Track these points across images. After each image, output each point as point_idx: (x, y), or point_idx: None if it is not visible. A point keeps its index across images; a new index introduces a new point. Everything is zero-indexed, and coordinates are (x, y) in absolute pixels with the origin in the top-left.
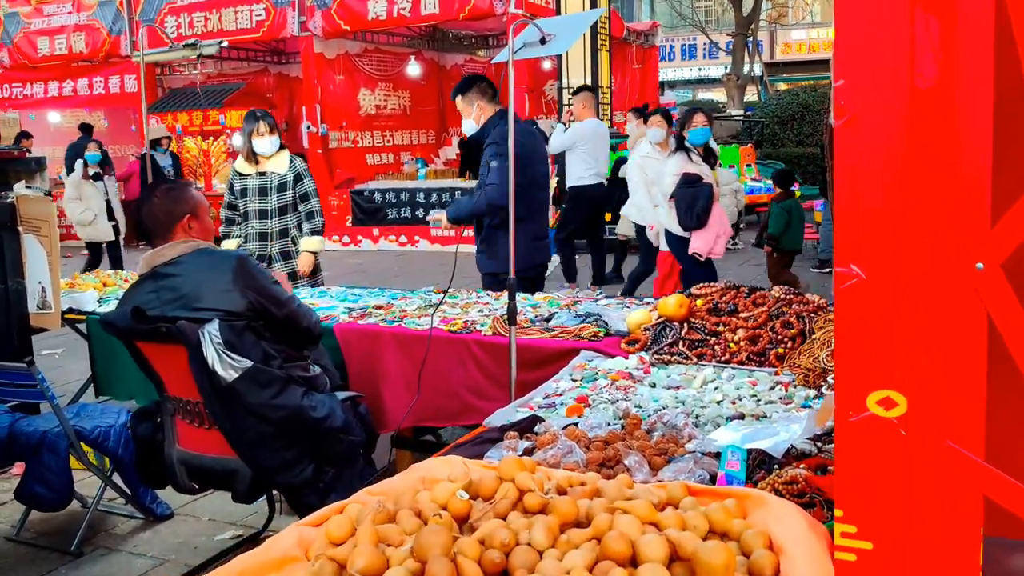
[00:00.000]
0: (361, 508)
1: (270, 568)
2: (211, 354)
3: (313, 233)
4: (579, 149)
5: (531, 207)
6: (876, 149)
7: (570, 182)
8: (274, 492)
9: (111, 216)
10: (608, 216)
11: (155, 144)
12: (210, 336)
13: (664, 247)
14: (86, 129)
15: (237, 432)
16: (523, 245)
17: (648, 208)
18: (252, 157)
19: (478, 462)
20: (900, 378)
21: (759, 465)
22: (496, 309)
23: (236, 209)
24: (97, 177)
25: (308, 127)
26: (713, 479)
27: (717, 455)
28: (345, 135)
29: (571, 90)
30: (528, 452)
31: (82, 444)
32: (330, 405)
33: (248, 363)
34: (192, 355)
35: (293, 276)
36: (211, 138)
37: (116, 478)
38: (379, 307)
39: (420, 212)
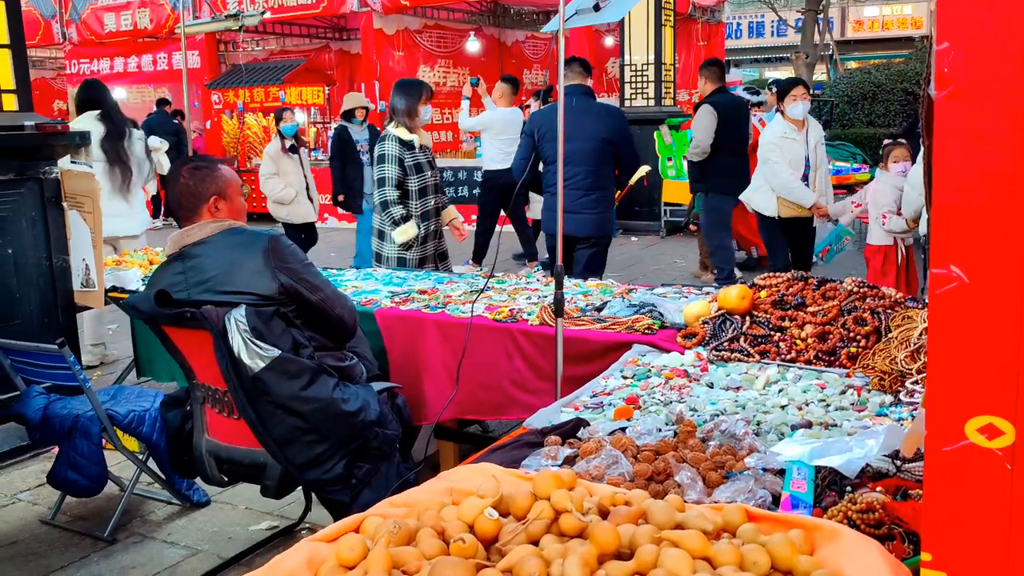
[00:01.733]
0: (379, 525)
1: None
2: (237, 342)
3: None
4: (493, 137)
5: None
6: (987, 128)
7: (484, 167)
8: None
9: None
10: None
11: (349, 115)
12: (236, 323)
13: (879, 240)
14: (163, 103)
15: (264, 425)
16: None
17: (800, 190)
18: (415, 130)
19: (513, 472)
20: (1007, 402)
21: (829, 485)
22: (545, 296)
23: (403, 187)
24: (293, 150)
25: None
26: (776, 500)
27: (780, 471)
28: None
29: (634, 68)
30: (570, 461)
31: (117, 429)
32: (364, 397)
33: (276, 352)
34: (217, 342)
35: (444, 256)
36: (271, 115)
37: (152, 463)
38: (423, 291)
39: (478, 192)
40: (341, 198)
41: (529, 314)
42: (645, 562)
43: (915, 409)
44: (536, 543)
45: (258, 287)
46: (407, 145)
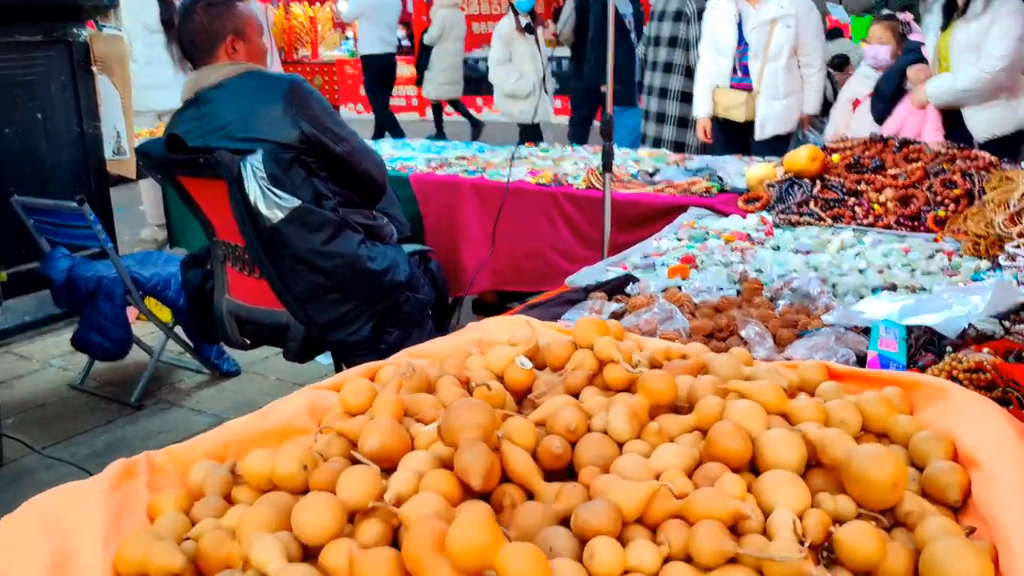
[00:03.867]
0: (395, 371)
1: (266, 439)
2: (253, 190)
3: None
4: (367, 20)
5: None
6: None
7: (361, 51)
8: None
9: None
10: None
11: None
12: (253, 169)
13: None
14: None
15: (283, 282)
16: None
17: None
18: None
19: (550, 324)
20: None
21: (924, 346)
22: (592, 162)
23: None
24: (529, 29)
25: None
26: (861, 361)
27: (864, 331)
28: None
29: None
30: (617, 316)
31: (145, 295)
32: (393, 257)
33: (296, 202)
34: (232, 191)
35: None
36: (317, 4)
37: (180, 331)
38: (461, 158)
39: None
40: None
41: (575, 178)
42: (707, 416)
43: (1019, 271)
44: (576, 397)
45: (277, 135)
46: None
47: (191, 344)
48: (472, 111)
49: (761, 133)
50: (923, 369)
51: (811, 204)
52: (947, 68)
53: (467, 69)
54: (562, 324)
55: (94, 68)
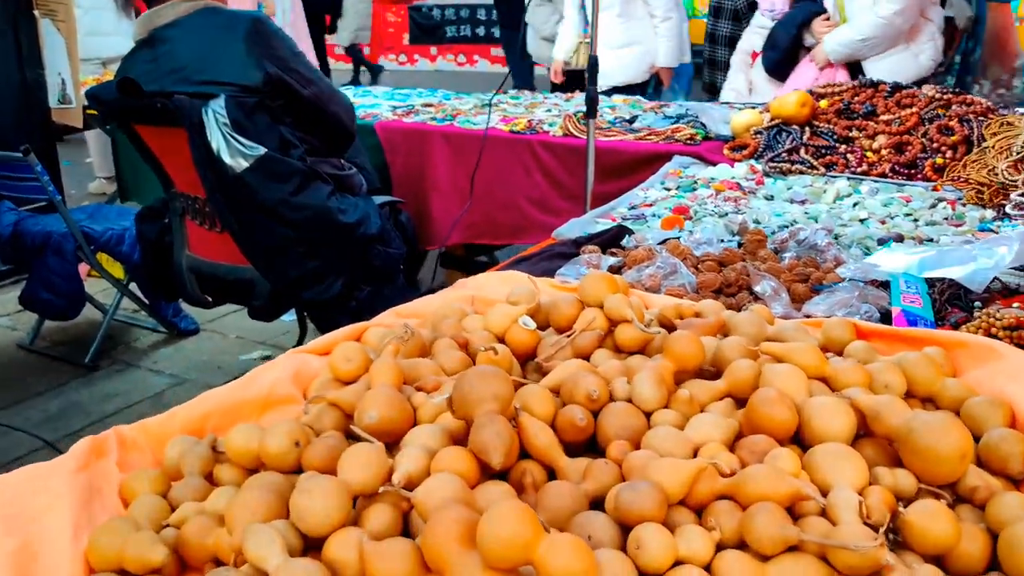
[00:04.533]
0: (384, 334)
1: (248, 410)
2: (216, 138)
3: None
4: None
5: None
6: None
7: None
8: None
9: None
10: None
11: None
12: (215, 115)
13: None
14: None
15: (249, 235)
16: None
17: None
18: None
19: (549, 281)
20: None
21: (950, 300)
22: (568, 110)
23: None
24: None
25: None
26: (885, 318)
27: (881, 286)
28: None
29: None
30: (615, 271)
31: (97, 250)
32: (364, 209)
33: (261, 150)
34: (193, 139)
35: None
36: None
37: (134, 287)
38: (428, 105)
39: (481, 30)
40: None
41: (551, 125)
42: (741, 381)
43: None
44: (587, 360)
45: (240, 77)
46: None
47: (147, 302)
48: (426, 60)
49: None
50: (956, 326)
51: (801, 152)
52: (845, 19)
53: (420, 17)
54: (558, 280)
55: (36, 12)
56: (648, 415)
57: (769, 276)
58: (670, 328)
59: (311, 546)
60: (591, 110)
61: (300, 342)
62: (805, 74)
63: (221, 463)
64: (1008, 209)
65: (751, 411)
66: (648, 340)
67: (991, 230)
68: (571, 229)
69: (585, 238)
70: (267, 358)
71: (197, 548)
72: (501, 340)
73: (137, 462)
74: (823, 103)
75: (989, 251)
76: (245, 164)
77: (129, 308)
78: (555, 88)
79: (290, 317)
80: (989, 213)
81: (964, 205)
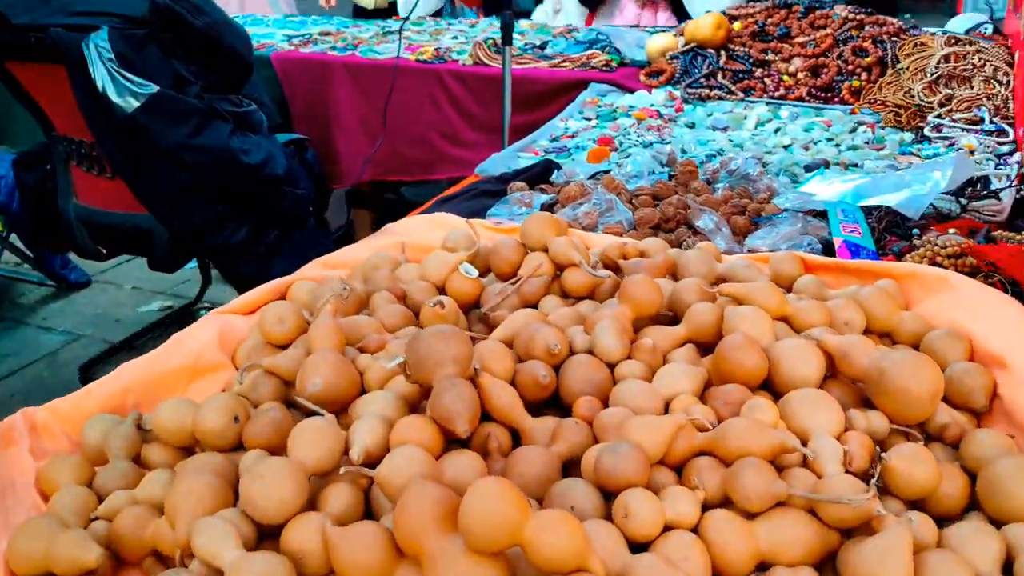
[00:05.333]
0: (314, 289)
1: (173, 382)
2: (101, 74)
3: None
4: None
5: None
6: None
7: None
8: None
9: None
10: None
11: None
12: (98, 49)
13: None
14: None
15: (146, 182)
16: None
17: None
18: None
19: (481, 222)
20: None
21: (888, 229)
22: (475, 37)
23: None
24: None
25: None
26: (827, 250)
27: (817, 215)
28: None
29: None
30: (548, 209)
31: None
32: (268, 149)
33: (153, 88)
34: (75, 78)
35: None
36: None
37: (15, 239)
38: (326, 34)
39: None
40: None
41: (459, 53)
42: (702, 325)
43: (950, 145)
44: (535, 308)
45: (124, 7)
46: None
47: (30, 254)
48: None
49: None
50: (899, 255)
51: (719, 76)
52: None
53: None
54: (491, 222)
55: None
56: (611, 367)
57: (709, 210)
58: (614, 269)
59: (266, 535)
60: (507, 37)
61: (202, 292)
62: (629, 10)
63: (149, 443)
64: (927, 131)
65: (720, 358)
66: (597, 284)
67: (912, 153)
68: (494, 165)
69: (511, 174)
70: (168, 308)
71: (134, 543)
72: (441, 290)
73: (52, 448)
74: (737, 25)
75: (923, 177)
76: (136, 104)
77: (11, 261)
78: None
79: (191, 265)
80: (908, 136)
81: (883, 128)
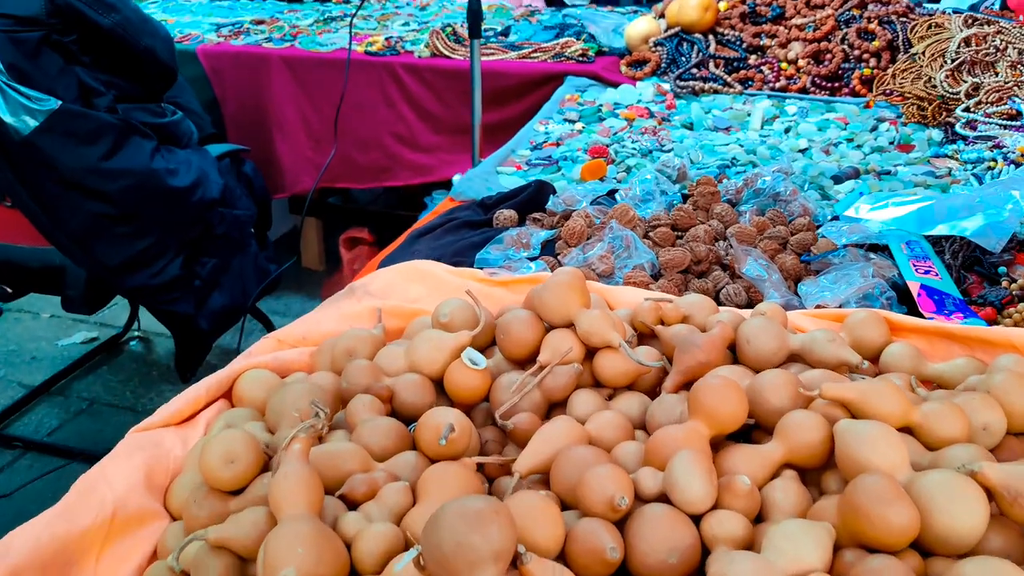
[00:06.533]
0: (269, 385)
1: (83, 549)
2: None
3: None
4: None
5: None
6: None
7: None
8: None
9: None
10: None
11: None
12: None
13: None
14: None
15: (49, 214)
16: None
17: None
18: None
19: (471, 273)
20: None
21: (967, 267)
22: (427, 20)
23: None
24: None
25: None
26: (901, 296)
27: (874, 249)
28: None
29: None
30: (548, 249)
31: None
32: (199, 166)
33: (53, 103)
34: None
35: None
36: None
37: None
38: (259, 22)
39: None
40: None
41: (414, 43)
42: (804, 445)
43: (996, 147)
44: (552, 408)
45: (14, 6)
46: None
47: None
48: None
49: None
50: (999, 308)
51: (710, 66)
52: None
53: None
54: (486, 273)
55: None
56: (696, 517)
57: (750, 249)
58: (648, 336)
59: None
60: (475, 27)
61: (132, 320)
62: None
63: None
64: (958, 128)
65: (855, 512)
66: (642, 373)
67: (948, 156)
68: (471, 185)
69: (494, 198)
70: (92, 340)
71: None
72: (438, 382)
73: None
74: (723, 5)
75: (997, 197)
76: (34, 123)
77: None
78: None
79: None
80: (936, 133)
81: (905, 124)
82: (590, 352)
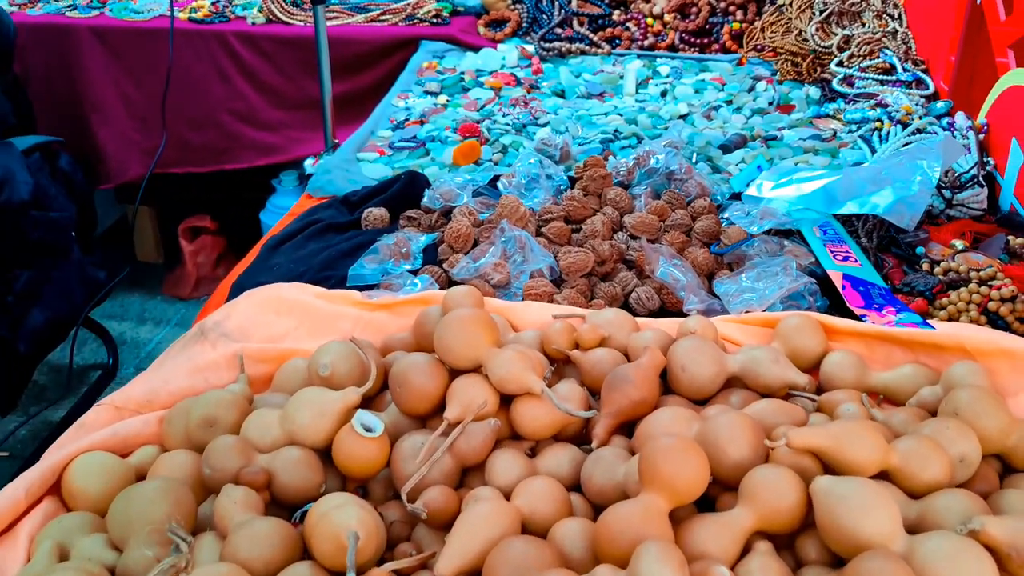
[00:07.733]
0: (107, 470)
1: None
2: None
3: None
4: None
5: None
6: None
7: None
8: None
9: None
10: None
11: None
12: None
13: None
14: None
15: None
16: None
17: None
18: None
19: (346, 295)
20: None
21: (882, 248)
22: None
23: None
24: None
25: None
26: (826, 287)
27: (783, 234)
28: None
29: None
30: (431, 256)
31: None
32: (3, 164)
33: None
34: None
35: None
36: None
37: None
38: None
39: None
40: None
41: (246, 7)
42: (776, 510)
43: (880, 105)
44: (467, 474)
45: None
46: None
47: None
48: None
49: None
50: (930, 298)
51: (575, 24)
52: None
53: None
54: (362, 296)
55: None
56: None
57: (663, 248)
58: (563, 363)
59: None
60: None
61: None
62: None
63: None
64: (835, 85)
65: None
66: (567, 423)
67: (830, 115)
68: (329, 177)
69: (359, 194)
70: None
71: None
72: (324, 453)
73: None
74: None
75: (904, 169)
76: None
77: None
78: None
79: None
80: (814, 91)
81: (780, 83)
82: (505, 397)
